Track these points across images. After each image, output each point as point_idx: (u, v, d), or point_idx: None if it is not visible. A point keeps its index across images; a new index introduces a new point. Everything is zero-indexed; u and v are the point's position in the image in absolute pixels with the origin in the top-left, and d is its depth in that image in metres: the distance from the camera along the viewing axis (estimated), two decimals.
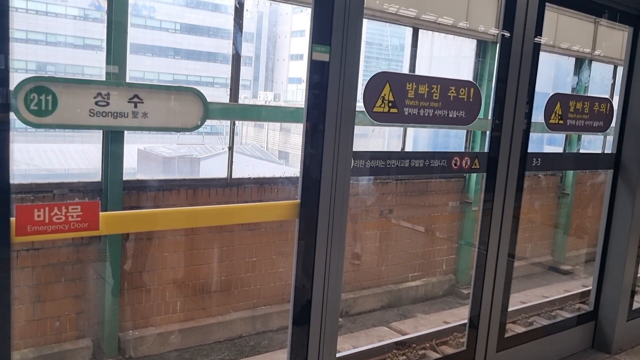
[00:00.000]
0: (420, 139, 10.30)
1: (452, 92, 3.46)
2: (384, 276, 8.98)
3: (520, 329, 4.78)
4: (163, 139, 8.76)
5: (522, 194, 4.06)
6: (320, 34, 2.86)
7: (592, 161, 5.64)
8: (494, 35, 8.98)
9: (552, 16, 8.03)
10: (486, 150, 3.90)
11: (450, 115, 3.48)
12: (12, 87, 2.19)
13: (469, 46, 9.32)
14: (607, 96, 4.79)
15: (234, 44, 6.80)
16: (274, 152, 11.39)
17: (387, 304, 8.90)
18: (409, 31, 8.54)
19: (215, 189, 6.95)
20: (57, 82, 3.42)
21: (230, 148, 7.00)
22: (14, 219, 2.27)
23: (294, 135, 10.68)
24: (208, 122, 5.69)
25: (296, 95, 10.99)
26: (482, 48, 9.26)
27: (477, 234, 4.01)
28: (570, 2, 4.67)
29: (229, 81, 6.82)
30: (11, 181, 2.23)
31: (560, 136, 10.32)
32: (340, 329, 3.33)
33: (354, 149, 3.05)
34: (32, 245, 5.79)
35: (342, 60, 2.90)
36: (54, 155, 9.47)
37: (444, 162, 3.62)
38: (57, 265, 6.03)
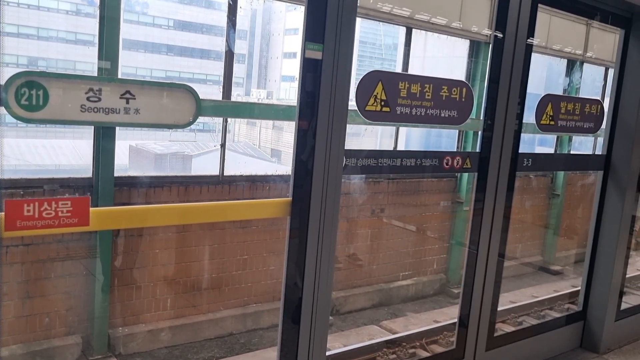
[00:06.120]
0: (412, 138, 10.32)
1: (445, 92, 3.47)
2: (375, 275, 8.99)
3: (509, 329, 4.80)
4: (155, 135, 8.71)
5: (513, 194, 4.07)
6: (314, 32, 2.86)
7: (582, 162, 5.67)
8: (486, 35, 9.02)
9: (545, 18, 8.07)
10: (478, 150, 3.92)
11: (443, 115, 3.49)
12: (2, 81, 2.17)
13: (462, 46, 9.35)
14: (598, 98, 4.80)
15: (227, 41, 6.78)
16: (267, 150, 11.37)
17: (377, 303, 8.92)
18: (402, 30, 8.56)
19: (207, 186, 6.94)
20: (49, 77, 3.38)
21: (223, 145, 6.99)
22: (3, 213, 2.25)
23: (287, 133, 10.67)
24: (200, 119, 5.67)
25: (289, 93, 10.97)
26: (475, 48, 9.30)
27: (468, 234, 4.03)
28: (563, 4, 4.69)
29: (221, 78, 6.80)
30: (1, 176, 2.21)
31: (552, 137, 10.38)
32: (330, 327, 3.33)
33: (346, 147, 3.06)
34: (22, 241, 5.75)
35: (335, 59, 2.90)
36: (44, 151, 9.40)
37: (436, 161, 3.62)
38: (47, 261, 6.00)
